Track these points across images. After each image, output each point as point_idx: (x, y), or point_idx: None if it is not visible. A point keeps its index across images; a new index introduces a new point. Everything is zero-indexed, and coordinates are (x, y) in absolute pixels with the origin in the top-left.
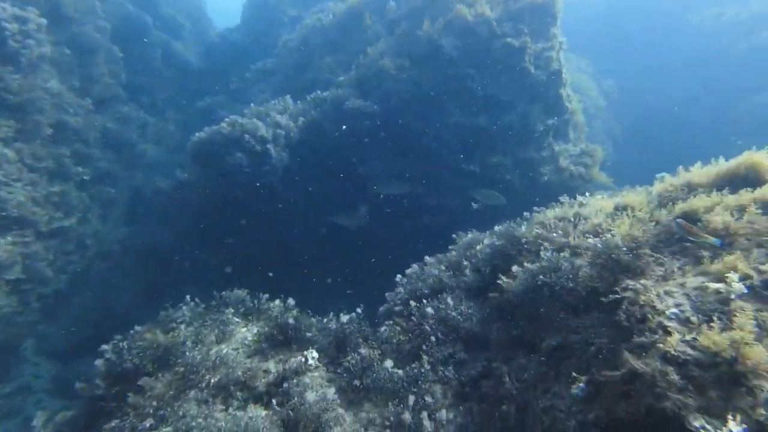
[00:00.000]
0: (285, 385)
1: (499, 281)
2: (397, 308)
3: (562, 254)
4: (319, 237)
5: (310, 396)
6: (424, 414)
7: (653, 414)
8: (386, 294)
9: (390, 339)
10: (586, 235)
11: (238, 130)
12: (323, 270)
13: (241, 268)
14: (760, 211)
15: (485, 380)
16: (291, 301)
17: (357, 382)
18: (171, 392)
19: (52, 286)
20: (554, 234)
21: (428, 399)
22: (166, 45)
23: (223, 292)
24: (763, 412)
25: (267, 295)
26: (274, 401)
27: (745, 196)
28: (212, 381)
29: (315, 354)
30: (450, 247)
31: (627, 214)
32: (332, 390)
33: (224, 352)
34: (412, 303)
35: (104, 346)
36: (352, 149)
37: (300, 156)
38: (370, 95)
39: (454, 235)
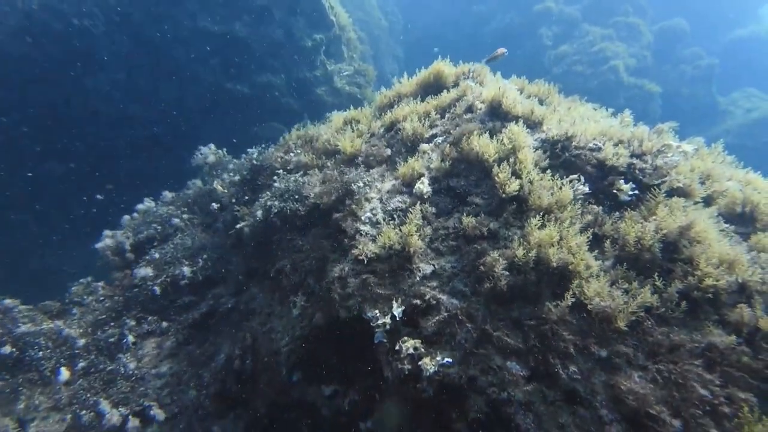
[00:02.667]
0: None
1: (238, 226)
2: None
3: (293, 177)
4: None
5: None
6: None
7: (341, 317)
8: (105, 232)
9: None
10: (317, 153)
11: None
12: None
13: None
14: (439, 116)
15: (211, 319)
16: None
17: None
18: None
19: None
20: (291, 155)
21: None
22: None
23: None
24: (421, 289)
25: None
26: None
27: (431, 103)
28: None
29: None
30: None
31: (352, 128)
32: None
33: None
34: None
35: None
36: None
37: None
38: None
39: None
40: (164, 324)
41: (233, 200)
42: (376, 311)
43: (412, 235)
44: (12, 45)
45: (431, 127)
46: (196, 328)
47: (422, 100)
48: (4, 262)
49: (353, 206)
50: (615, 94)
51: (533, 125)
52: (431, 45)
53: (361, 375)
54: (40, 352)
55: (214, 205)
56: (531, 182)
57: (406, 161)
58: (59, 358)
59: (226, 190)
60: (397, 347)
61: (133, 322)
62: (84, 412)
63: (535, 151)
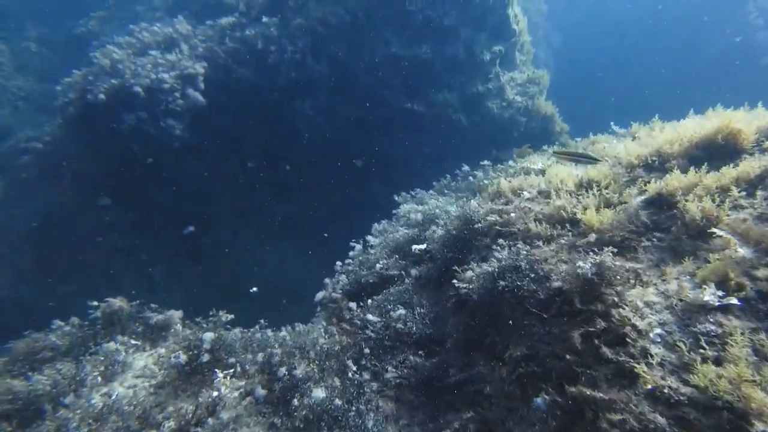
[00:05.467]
0: None
1: (455, 281)
2: (334, 295)
3: (522, 249)
4: (238, 189)
5: None
6: None
7: None
8: (325, 280)
9: (330, 350)
10: (550, 221)
11: (123, 90)
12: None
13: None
14: (744, 194)
15: (437, 384)
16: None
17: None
18: None
19: None
20: (511, 217)
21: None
22: None
23: (107, 303)
24: None
25: (179, 312)
26: None
27: (727, 174)
28: None
29: (237, 385)
30: (394, 221)
31: (594, 194)
32: None
33: (114, 396)
34: (354, 307)
35: None
36: (273, 88)
37: (209, 97)
38: (289, 23)
39: (397, 198)
40: (388, 374)
41: (443, 253)
42: None
43: (748, 382)
44: (241, 71)
45: (733, 208)
46: (425, 394)
47: (700, 166)
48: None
49: (622, 311)
50: None
51: None
52: (595, 32)
53: None
54: None
55: (416, 247)
56: None
57: (695, 255)
58: None
59: (426, 246)
60: None
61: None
62: None
63: None
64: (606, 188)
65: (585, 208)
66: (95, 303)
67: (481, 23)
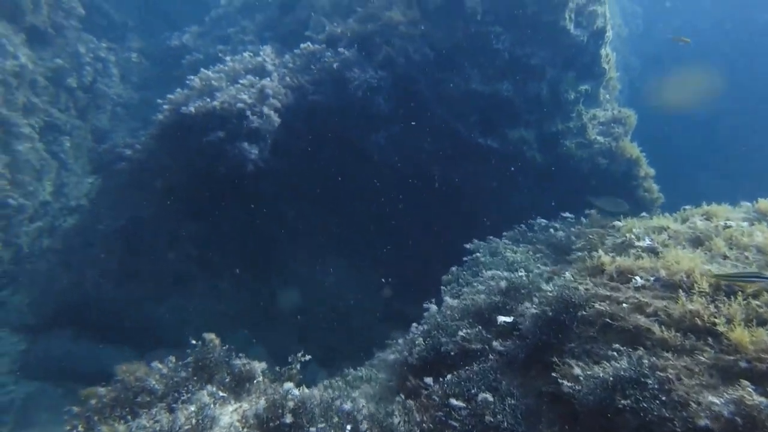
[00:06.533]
0: None
1: (556, 375)
2: (410, 360)
3: (646, 359)
4: (315, 222)
5: None
6: None
7: None
8: (398, 341)
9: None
10: (680, 327)
11: (215, 107)
12: (322, 260)
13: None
14: None
15: None
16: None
17: None
18: None
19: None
20: (623, 308)
21: None
22: None
23: (205, 344)
24: None
25: (262, 365)
26: None
27: None
28: None
29: None
30: (466, 268)
31: (739, 303)
32: None
33: None
34: (431, 383)
35: None
36: (350, 118)
37: (288, 124)
38: (373, 55)
39: (468, 245)
40: None
41: (536, 334)
42: None
43: None
44: (320, 99)
45: None
46: None
47: None
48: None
49: None
50: None
51: None
52: (680, 52)
53: None
54: None
55: (502, 319)
56: None
57: None
58: None
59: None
60: None
61: None
62: None
63: None
64: (754, 298)
65: (729, 321)
66: (194, 341)
67: (570, 63)
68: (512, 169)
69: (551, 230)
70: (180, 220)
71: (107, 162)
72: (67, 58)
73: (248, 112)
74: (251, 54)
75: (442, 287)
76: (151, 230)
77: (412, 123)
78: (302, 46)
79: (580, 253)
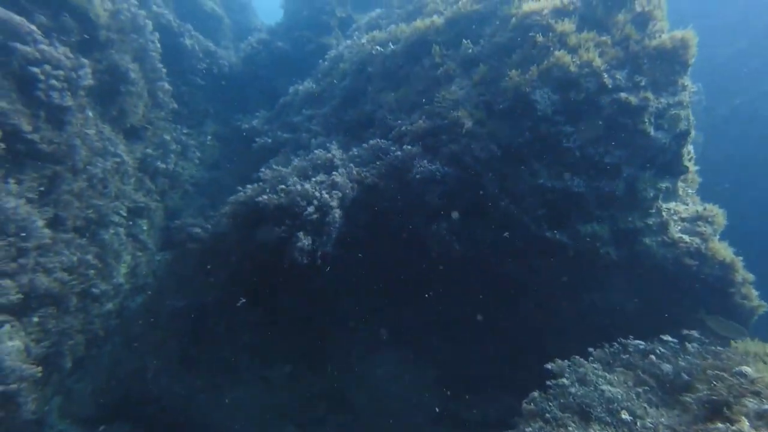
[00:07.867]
0: None
1: None
2: None
3: None
4: (374, 321)
5: None
6: None
7: None
8: None
9: None
10: None
11: (285, 201)
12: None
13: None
14: None
15: None
16: None
17: None
18: None
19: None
20: None
21: None
22: (208, 54)
23: None
24: None
25: None
26: None
27: None
28: None
29: None
30: (552, 398)
31: None
32: None
33: None
34: None
35: None
36: (412, 209)
37: (352, 217)
38: (439, 152)
39: (550, 366)
40: None
41: None
42: None
43: None
44: (386, 193)
45: None
46: None
47: None
48: None
49: None
50: None
51: None
52: (745, 128)
53: None
54: None
55: None
56: None
57: None
58: None
59: None
60: None
61: None
62: None
63: None
64: None
65: None
66: None
67: (650, 162)
68: (584, 266)
69: (653, 357)
70: (238, 308)
71: (178, 241)
72: (154, 148)
73: (315, 207)
74: (322, 150)
75: (522, 419)
76: (214, 319)
77: (475, 215)
78: (371, 142)
79: (705, 405)
